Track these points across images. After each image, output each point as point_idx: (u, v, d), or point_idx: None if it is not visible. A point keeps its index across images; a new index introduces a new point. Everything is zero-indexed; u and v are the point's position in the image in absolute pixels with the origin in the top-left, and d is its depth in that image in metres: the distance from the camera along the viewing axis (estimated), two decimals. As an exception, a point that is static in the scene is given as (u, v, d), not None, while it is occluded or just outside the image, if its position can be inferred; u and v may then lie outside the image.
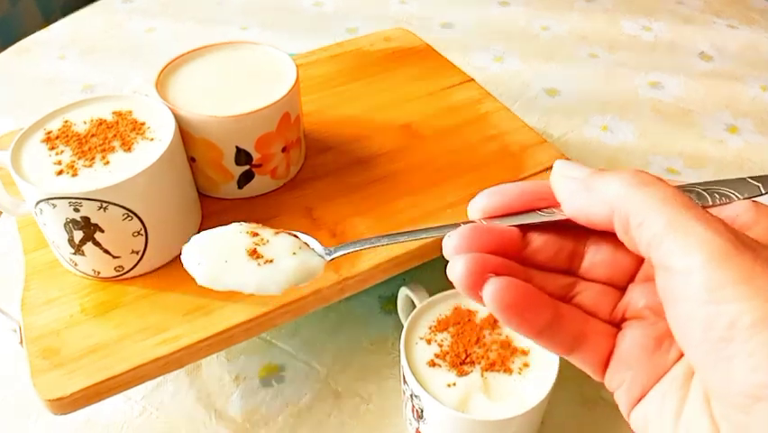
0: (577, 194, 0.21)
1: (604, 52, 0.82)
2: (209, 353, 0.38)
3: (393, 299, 0.51)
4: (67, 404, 0.35)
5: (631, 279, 0.23)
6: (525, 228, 0.23)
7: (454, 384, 0.37)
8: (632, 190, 0.20)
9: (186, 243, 0.27)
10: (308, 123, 0.53)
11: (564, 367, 0.47)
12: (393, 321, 0.50)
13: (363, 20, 0.89)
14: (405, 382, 0.38)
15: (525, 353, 0.38)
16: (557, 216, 0.23)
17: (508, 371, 0.37)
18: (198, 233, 0.27)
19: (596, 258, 0.23)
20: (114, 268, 0.40)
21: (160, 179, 0.39)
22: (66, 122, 0.41)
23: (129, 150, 0.39)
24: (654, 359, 0.22)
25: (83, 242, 0.39)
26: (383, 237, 0.27)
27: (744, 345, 0.17)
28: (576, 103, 0.74)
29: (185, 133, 0.43)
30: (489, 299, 0.21)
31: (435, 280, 0.53)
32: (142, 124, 0.41)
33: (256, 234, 0.28)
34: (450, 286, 0.41)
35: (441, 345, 0.39)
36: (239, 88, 0.45)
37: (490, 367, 0.37)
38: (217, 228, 0.28)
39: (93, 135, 0.40)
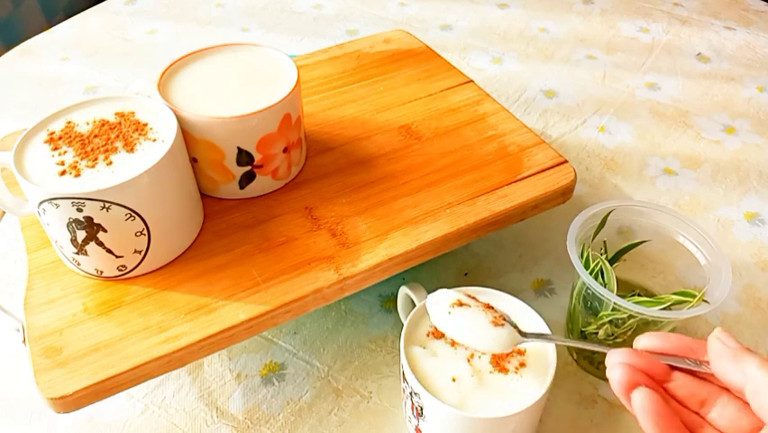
0: (725, 359, 0.28)
1: (602, 54, 0.83)
2: (211, 351, 0.39)
3: (393, 298, 0.52)
4: (69, 403, 0.36)
5: None
6: (672, 368, 0.30)
7: (454, 382, 0.37)
8: (766, 375, 0.26)
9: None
10: (309, 124, 0.54)
11: (562, 366, 0.48)
12: (393, 320, 0.51)
13: (363, 22, 0.90)
14: (404, 380, 0.39)
15: (521, 352, 0.39)
16: (701, 369, 0.30)
17: (506, 370, 0.38)
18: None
19: (723, 412, 0.29)
20: (117, 267, 0.41)
21: (162, 180, 0.39)
22: (69, 122, 0.41)
23: (131, 150, 0.39)
24: None
25: (86, 241, 0.39)
26: (567, 340, 0.38)
27: None
28: (574, 104, 0.74)
29: (187, 133, 0.43)
30: (637, 402, 0.28)
31: (434, 280, 0.53)
32: (145, 124, 0.41)
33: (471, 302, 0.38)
34: (448, 285, 0.41)
35: (440, 344, 0.39)
36: (240, 90, 0.45)
37: (489, 366, 0.38)
38: (450, 291, 0.39)
39: (96, 136, 0.40)
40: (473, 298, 0.39)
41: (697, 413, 0.30)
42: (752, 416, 0.28)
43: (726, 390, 0.29)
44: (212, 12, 0.92)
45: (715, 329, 0.30)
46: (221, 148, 0.44)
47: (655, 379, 0.30)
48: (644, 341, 0.31)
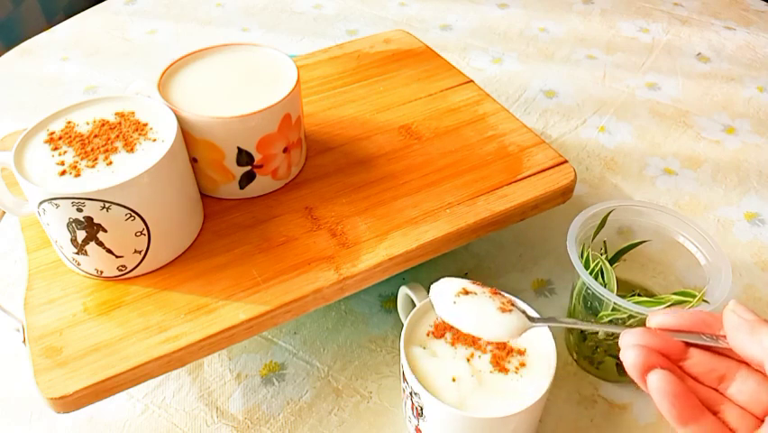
0: (741, 332, 0.27)
1: (602, 54, 0.83)
2: (211, 351, 0.39)
3: (393, 298, 0.52)
4: (69, 403, 0.36)
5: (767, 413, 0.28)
6: (688, 344, 0.29)
7: (454, 382, 0.37)
8: None
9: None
10: (309, 124, 0.54)
11: (562, 366, 0.48)
12: (393, 320, 0.51)
13: (363, 22, 0.90)
14: (404, 380, 0.39)
15: (521, 352, 0.39)
16: (719, 344, 0.29)
17: (506, 370, 0.38)
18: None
19: (742, 387, 0.28)
20: (117, 267, 0.41)
21: (162, 180, 0.39)
22: (69, 122, 0.41)
23: (131, 150, 0.39)
24: None
25: (86, 241, 0.39)
26: (579, 322, 0.38)
27: None
28: (574, 104, 0.74)
29: (187, 133, 0.43)
30: (653, 384, 0.27)
31: (434, 280, 0.53)
32: (145, 124, 0.41)
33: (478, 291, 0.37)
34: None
35: (440, 344, 0.39)
36: (240, 90, 0.45)
37: (489, 366, 0.38)
38: (453, 280, 0.37)
39: (96, 136, 0.40)
40: (479, 284, 0.38)
41: (716, 389, 0.29)
42: None
43: (746, 364, 0.28)
44: (212, 12, 0.92)
45: (730, 302, 0.29)
46: (221, 148, 0.44)
47: (671, 358, 0.29)
48: (657, 319, 0.30)
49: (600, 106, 0.74)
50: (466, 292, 0.36)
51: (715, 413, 0.28)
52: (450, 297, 0.36)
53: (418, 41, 0.65)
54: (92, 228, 0.38)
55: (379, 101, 0.57)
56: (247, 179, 0.46)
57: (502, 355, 0.38)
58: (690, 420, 0.27)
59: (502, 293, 0.38)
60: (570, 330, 0.48)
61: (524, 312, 0.36)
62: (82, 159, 0.39)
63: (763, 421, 0.27)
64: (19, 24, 1.14)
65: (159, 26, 0.89)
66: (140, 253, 0.40)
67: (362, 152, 0.51)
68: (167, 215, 0.41)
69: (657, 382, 0.27)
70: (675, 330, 0.29)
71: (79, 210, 0.37)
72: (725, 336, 0.28)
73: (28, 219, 0.45)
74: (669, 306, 0.41)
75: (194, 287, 0.41)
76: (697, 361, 0.29)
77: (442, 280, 0.38)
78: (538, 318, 0.36)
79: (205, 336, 0.38)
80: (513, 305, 0.36)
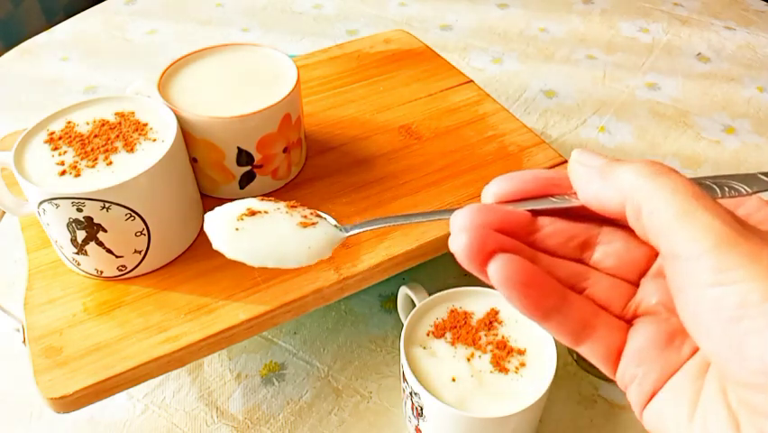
0: (592, 180, 0.21)
1: (602, 54, 0.83)
2: (211, 351, 0.39)
3: (393, 298, 0.52)
4: (69, 403, 0.36)
5: (642, 273, 0.23)
6: (536, 213, 0.23)
7: (454, 382, 0.37)
8: (645, 180, 0.20)
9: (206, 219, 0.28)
10: (309, 124, 0.54)
11: (562, 366, 0.48)
12: (393, 320, 0.51)
13: (363, 22, 0.90)
14: (404, 380, 0.39)
15: (521, 352, 0.39)
16: (571, 203, 0.22)
17: (506, 370, 0.38)
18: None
19: (608, 249, 0.23)
20: (117, 267, 0.41)
21: (162, 180, 0.39)
22: (69, 122, 0.41)
23: (131, 150, 0.39)
24: (667, 355, 0.21)
25: (86, 241, 0.39)
26: (399, 217, 0.27)
27: (754, 321, 0.17)
28: (574, 104, 0.74)
29: (187, 133, 0.43)
30: (495, 275, 0.21)
31: (435, 280, 0.53)
32: (145, 124, 0.41)
33: (272, 209, 0.29)
34: (448, 285, 0.41)
35: (440, 344, 0.39)
36: (240, 90, 0.45)
37: (489, 366, 0.38)
38: (235, 202, 0.28)
39: (96, 136, 0.40)
40: (272, 200, 0.29)
41: (580, 261, 0.23)
42: (642, 244, 0.22)
43: (608, 222, 0.23)
44: (212, 12, 0.92)
45: (573, 152, 0.23)
46: (221, 148, 0.44)
47: (517, 234, 0.22)
48: (492, 188, 0.23)
49: (600, 106, 0.74)
50: (252, 213, 0.28)
51: (582, 291, 0.23)
52: (230, 223, 0.27)
53: (418, 41, 0.65)
54: (92, 228, 0.38)
55: (379, 101, 0.57)
56: (247, 179, 0.46)
57: (502, 355, 0.38)
58: (552, 311, 0.22)
59: (302, 206, 0.29)
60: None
61: (334, 224, 0.28)
62: (82, 159, 0.39)
63: (638, 286, 0.23)
64: (19, 24, 1.14)
65: (159, 26, 0.89)
66: (140, 253, 0.40)
67: (362, 152, 0.51)
68: (167, 215, 0.41)
69: (500, 272, 0.21)
70: (517, 199, 0.23)
71: (79, 210, 0.37)
72: (576, 194, 0.22)
73: (28, 219, 0.45)
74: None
75: (194, 287, 0.41)
76: (550, 231, 0.23)
77: (218, 207, 0.29)
78: (351, 226, 0.28)
79: (205, 336, 0.38)
80: (319, 216, 0.29)
